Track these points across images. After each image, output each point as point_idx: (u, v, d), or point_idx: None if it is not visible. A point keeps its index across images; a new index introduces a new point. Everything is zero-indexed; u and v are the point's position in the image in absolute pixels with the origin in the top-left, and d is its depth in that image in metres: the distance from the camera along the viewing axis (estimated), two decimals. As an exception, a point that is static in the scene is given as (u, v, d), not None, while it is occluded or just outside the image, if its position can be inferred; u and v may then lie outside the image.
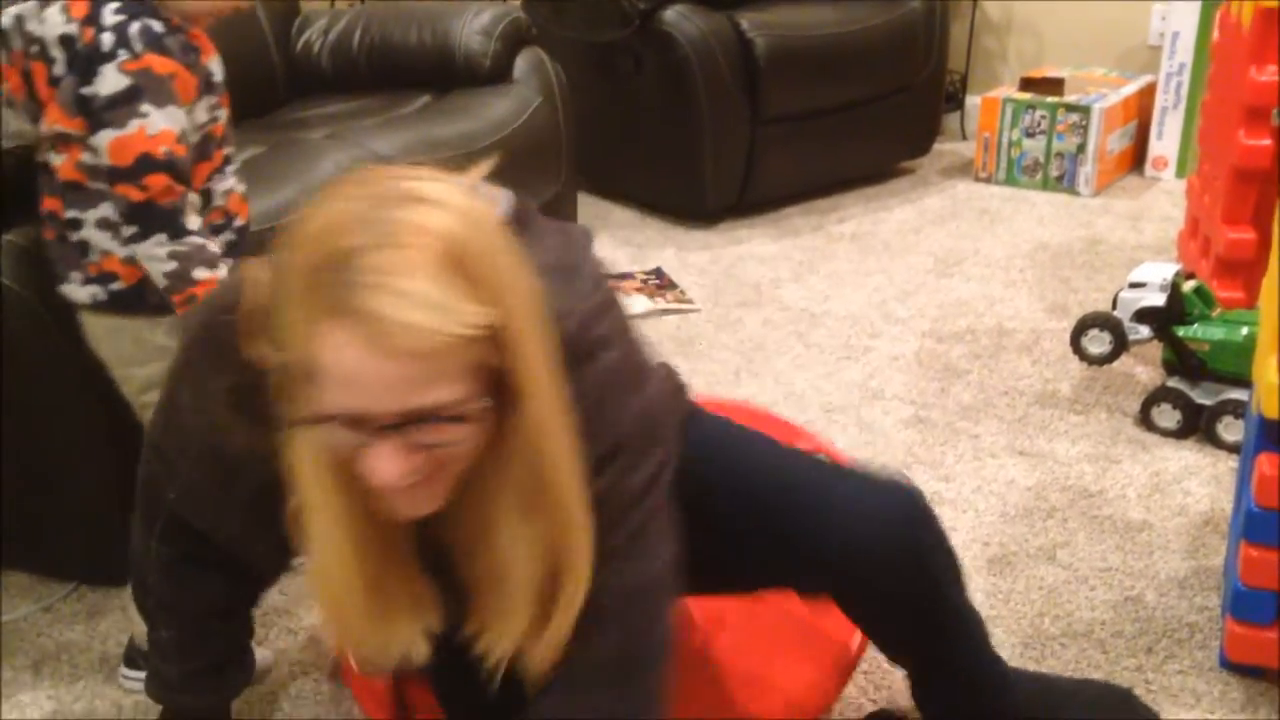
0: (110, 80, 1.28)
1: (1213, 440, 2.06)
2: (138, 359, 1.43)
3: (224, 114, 1.42)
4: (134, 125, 1.27)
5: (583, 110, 2.71)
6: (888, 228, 3.17)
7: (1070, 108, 3.38)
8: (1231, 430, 2.03)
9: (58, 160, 1.36)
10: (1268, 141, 2.28)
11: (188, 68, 1.32)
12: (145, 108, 1.27)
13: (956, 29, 3.75)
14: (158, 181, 1.28)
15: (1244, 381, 2.02)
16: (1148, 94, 3.54)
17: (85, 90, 1.29)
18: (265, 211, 1.84)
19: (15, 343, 1.57)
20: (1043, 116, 3.41)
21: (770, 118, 3.12)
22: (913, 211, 3.29)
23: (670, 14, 2.99)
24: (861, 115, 3.32)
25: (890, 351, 2.46)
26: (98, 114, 1.28)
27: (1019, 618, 1.65)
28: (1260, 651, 1.48)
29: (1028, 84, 3.52)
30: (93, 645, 1.63)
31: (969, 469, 2.02)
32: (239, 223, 1.47)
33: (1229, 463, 2.01)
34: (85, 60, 1.29)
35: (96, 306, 1.41)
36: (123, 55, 1.28)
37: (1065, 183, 3.42)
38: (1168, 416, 2.10)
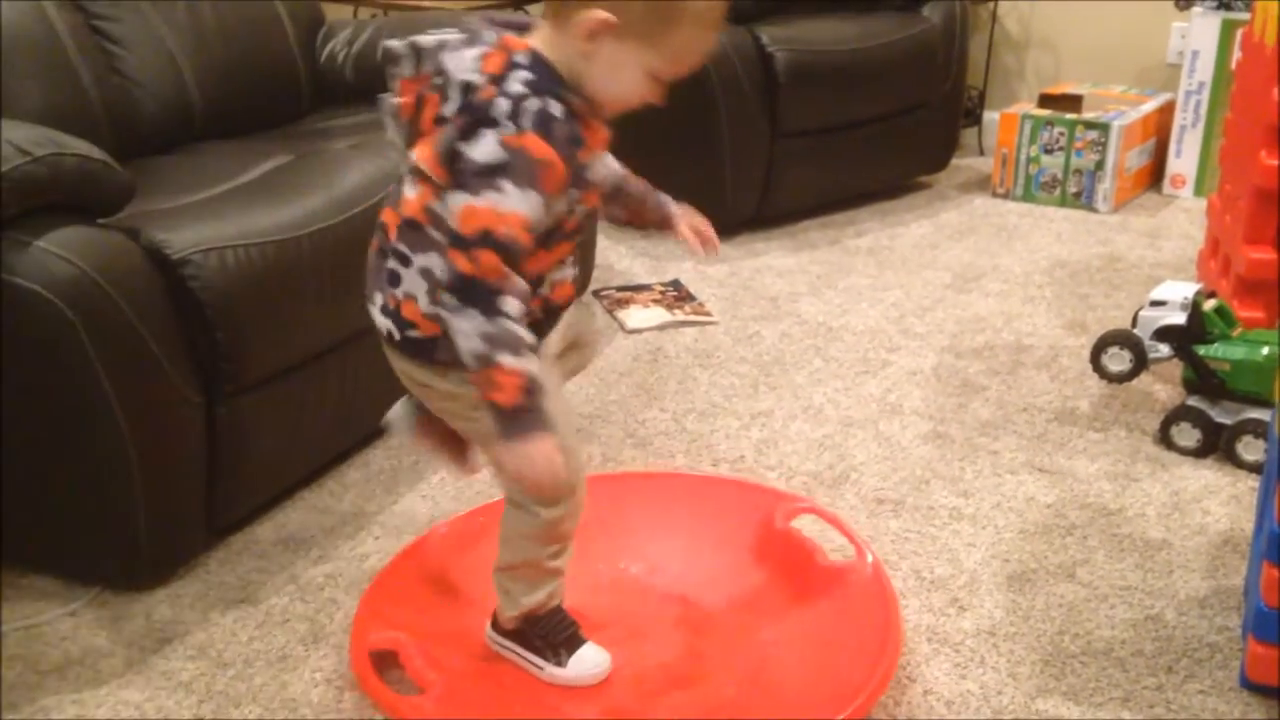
0: (486, 148, 1.23)
1: (1232, 460, 2.06)
2: (421, 394, 1.44)
3: (583, 209, 1.37)
4: (489, 198, 1.22)
5: (604, 122, 2.72)
6: (905, 243, 3.17)
7: (1089, 125, 3.38)
8: (1251, 450, 2.03)
9: (410, 191, 1.32)
10: (1289, 162, 2.28)
11: (565, 160, 1.26)
12: (506, 185, 1.22)
13: (975, 45, 3.76)
14: (489, 260, 1.22)
15: (1264, 401, 2.02)
16: (1166, 112, 3.54)
17: (461, 146, 1.25)
18: (293, 221, 1.86)
19: (38, 347, 1.59)
20: (1061, 133, 3.42)
21: (789, 132, 3.13)
22: (930, 227, 3.30)
23: (691, 28, 3.00)
24: (880, 130, 3.33)
25: (908, 366, 2.46)
26: (462, 174, 1.24)
27: (1039, 635, 1.65)
28: (1282, 672, 1.48)
29: (1046, 100, 3.53)
30: (116, 650, 1.64)
31: (988, 485, 2.02)
32: (554, 305, 1.43)
33: (1249, 482, 2.01)
34: (474, 116, 1.25)
35: (389, 340, 1.38)
36: (508, 128, 1.23)
37: (1083, 199, 3.42)
38: (1187, 435, 2.10)
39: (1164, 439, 2.13)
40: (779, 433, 2.20)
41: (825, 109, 3.19)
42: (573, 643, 1.54)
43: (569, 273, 1.43)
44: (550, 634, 1.53)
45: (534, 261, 1.31)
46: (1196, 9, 3.39)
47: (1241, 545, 1.84)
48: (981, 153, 3.89)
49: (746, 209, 3.19)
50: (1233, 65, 3.04)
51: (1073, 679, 1.57)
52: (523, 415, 1.23)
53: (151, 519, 1.70)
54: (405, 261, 1.34)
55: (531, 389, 1.23)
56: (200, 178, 2.03)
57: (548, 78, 1.26)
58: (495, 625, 1.57)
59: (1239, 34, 3.00)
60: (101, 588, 1.76)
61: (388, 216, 1.37)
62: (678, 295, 2.82)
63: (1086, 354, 2.24)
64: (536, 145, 1.23)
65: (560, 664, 1.53)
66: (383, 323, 1.38)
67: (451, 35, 1.31)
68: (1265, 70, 2.33)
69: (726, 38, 3.01)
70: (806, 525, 1.79)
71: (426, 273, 1.32)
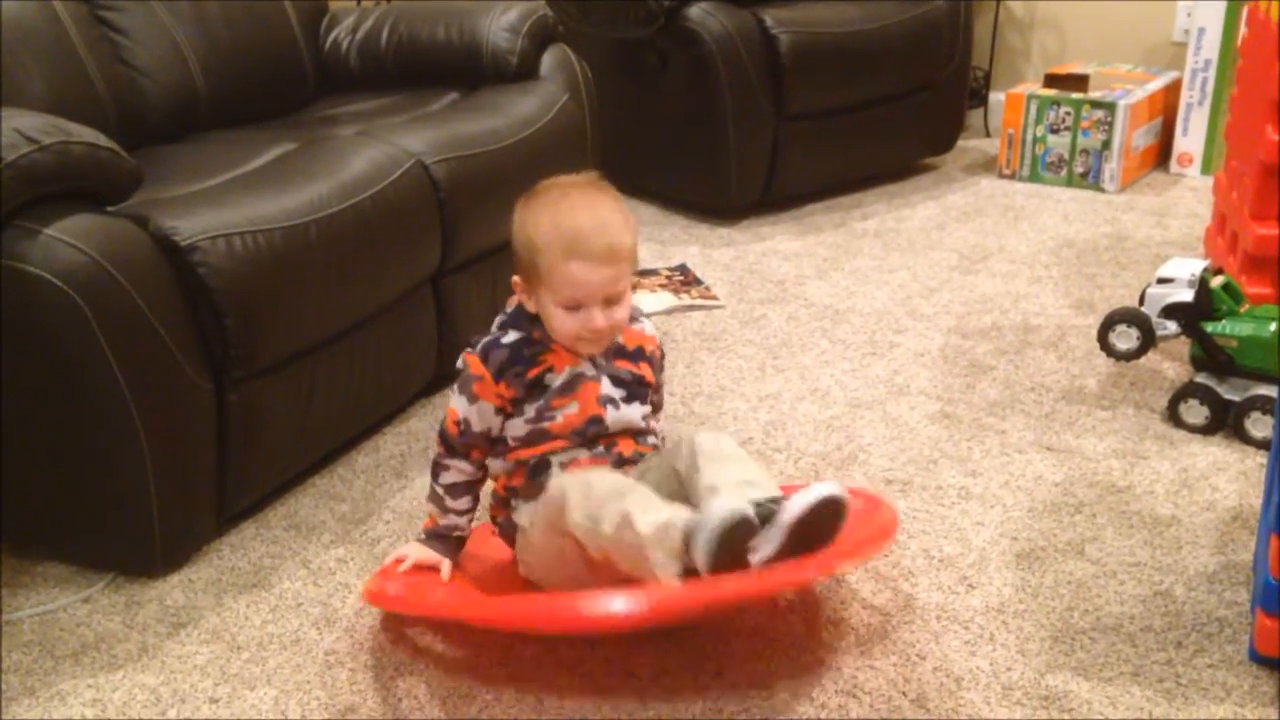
0: (460, 360, 1.65)
1: (1240, 436, 2.06)
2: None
3: (562, 414, 1.61)
4: (451, 398, 1.66)
5: (608, 107, 2.72)
6: (911, 224, 3.17)
7: (1095, 104, 3.37)
8: (1259, 426, 2.03)
9: None
10: (1296, 137, 2.27)
11: (498, 378, 1.60)
12: (456, 388, 1.64)
13: (980, 25, 3.75)
14: (439, 444, 1.67)
15: (1272, 377, 2.02)
16: (1173, 90, 3.53)
17: None
18: (299, 207, 1.87)
19: (49, 334, 1.60)
20: (1067, 113, 3.41)
21: (794, 114, 3.13)
22: (936, 208, 3.29)
23: (695, 11, 3.00)
24: (885, 112, 3.33)
25: (916, 347, 2.46)
26: None
27: (1048, 612, 1.65)
28: (1291, 645, 1.48)
29: (1052, 80, 3.52)
30: (131, 635, 1.65)
31: (996, 464, 2.02)
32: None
33: (1257, 458, 2.01)
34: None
35: None
36: (469, 349, 1.63)
37: (1090, 179, 3.42)
38: (1195, 412, 2.10)
39: (1172, 416, 2.13)
40: (787, 414, 2.21)
41: (830, 91, 3.18)
42: None
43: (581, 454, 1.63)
44: None
45: (522, 452, 1.63)
46: (1202, -14, 3.38)
47: (1250, 521, 1.84)
48: (987, 134, 3.88)
49: (752, 192, 3.18)
50: (1239, 42, 3.03)
51: (1082, 654, 1.57)
52: (429, 535, 1.70)
53: (163, 505, 1.71)
54: None
55: (432, 530, 1.70)
56: (207, 166, 2.04)
57: (517, 316, 1.64)
58: None
59: (1245, 11, 2.99)
60: (115, 574, 1.78)
61: None
62: (684, 279, 2.82)
63: (1094, 333, 2.24)
64: (473, 363, 1.61)
65: None
66: None
67: None
68: (1270, 46, 2.33)
69: (730, 20, 3.01)
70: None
71: None
